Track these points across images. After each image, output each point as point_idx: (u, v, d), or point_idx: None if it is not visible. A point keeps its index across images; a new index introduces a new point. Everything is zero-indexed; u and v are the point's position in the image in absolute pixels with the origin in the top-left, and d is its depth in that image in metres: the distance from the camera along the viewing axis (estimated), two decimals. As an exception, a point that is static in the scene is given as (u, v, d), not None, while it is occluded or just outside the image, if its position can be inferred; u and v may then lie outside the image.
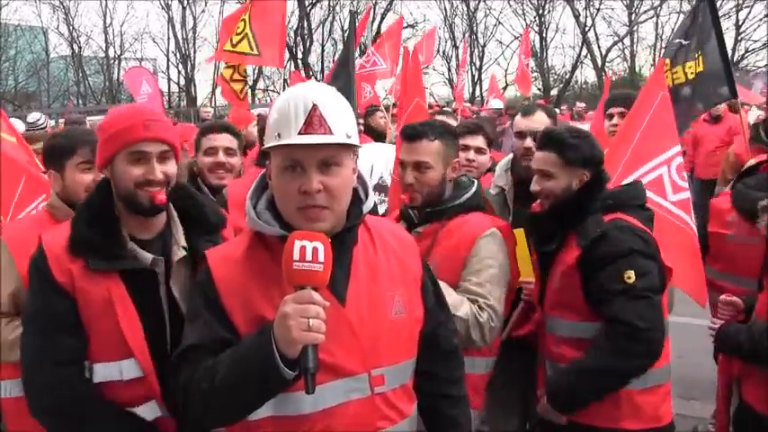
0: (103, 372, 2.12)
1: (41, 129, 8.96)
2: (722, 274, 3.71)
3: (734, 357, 3.18)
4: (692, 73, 5.19)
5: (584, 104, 20.07)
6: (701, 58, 5.18)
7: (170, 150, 2.20)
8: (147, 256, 2.17)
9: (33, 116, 9.40)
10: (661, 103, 3.90)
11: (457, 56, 30.21)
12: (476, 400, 2.88)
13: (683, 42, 5.23)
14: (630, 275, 2.63)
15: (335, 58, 32.13)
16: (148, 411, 2.13)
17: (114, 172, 2.17)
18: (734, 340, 3.04)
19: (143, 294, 2.13)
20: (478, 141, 3.93)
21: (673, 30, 29.95)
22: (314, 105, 1.78)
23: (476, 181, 3.10)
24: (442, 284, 2.62)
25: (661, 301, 2.74)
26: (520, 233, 3.18)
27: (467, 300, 2.76)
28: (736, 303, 3.19)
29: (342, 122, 1.82)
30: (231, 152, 3.75)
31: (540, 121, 3.56)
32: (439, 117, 5.13)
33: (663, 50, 30.70)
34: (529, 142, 3.48)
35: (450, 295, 2.68)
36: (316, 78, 22.08)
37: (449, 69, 34.17)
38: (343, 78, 4.73)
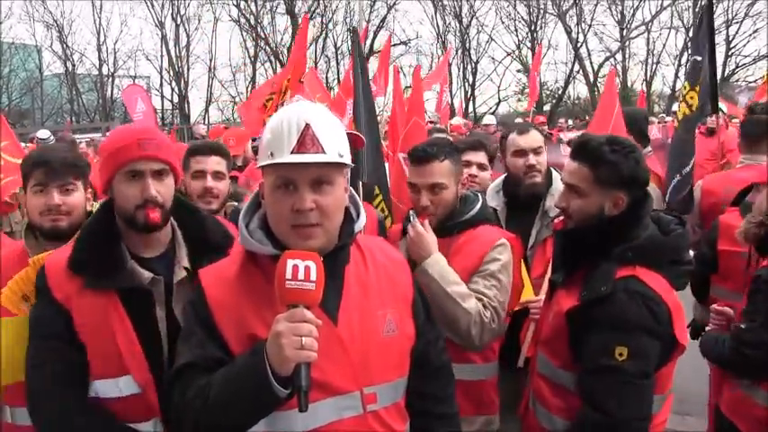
0: (102, 388, 2.13)
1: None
2: (734, 293, 3.60)
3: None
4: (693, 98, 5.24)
5: (563, 119, 20.26)
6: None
7: (166, 168, 2.21)
8: (146, 276, 2.18)
9: (43, 132, 9.54)
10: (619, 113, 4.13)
11: (450, 72, 30.37)
12: (475, 406, 2.93)
13: (698, 59, 5.27)
14: (623, 352, 2.27)
15: (327, 75, 32.45)
16: (150, 429, 2.14)
17: (114, 192, 2.20)
18: (709, 348, 3.09)
19: (140, 313, 2.14)
20: (480, 157, 4.00)
21: (664, 45, 30.37)
22: (306, 125, 1.81)
23: (480, 195, 3.14)
24: (454, 275, 2.76)
25: (653, 383, 2.36)
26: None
27: (474, 296, 2.80)
28: (727, 313, 3.21)
29: (334, 142, 1.83)
30: (220, 176, 3.49)
31: (536, 138, 3.57)
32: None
33: (654, 65, 31.17)
34: (532, 159, 3.50)
35: (460, 285, 2.78)
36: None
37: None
38: (364, 108, 4.68)
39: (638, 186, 2.48)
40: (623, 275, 2.37)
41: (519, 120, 13.05)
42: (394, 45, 31.24)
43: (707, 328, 3.30)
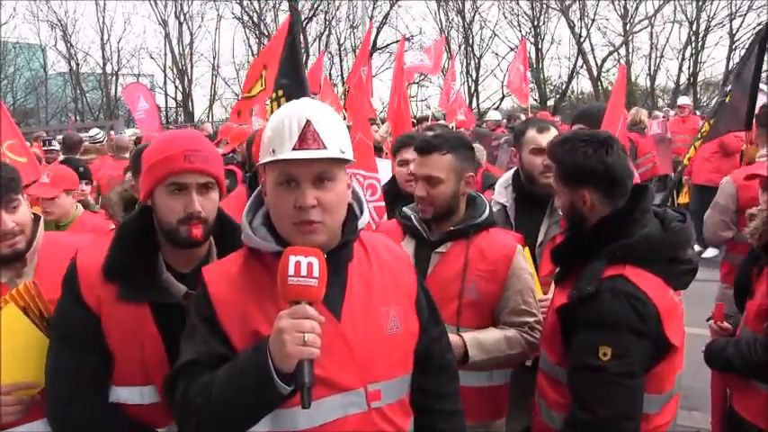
0: (125, 394, 2.14)
1: (99, 143, 9.87)
2: None
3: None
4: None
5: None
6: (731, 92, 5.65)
7: (212, 182, 2.13)
8: (181, 290, 2.14)
9: (93, 131, 10.07)
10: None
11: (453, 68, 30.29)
12: (491, 411, 2.93)
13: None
14: (606, 352, 2.25)
15: (331, 72, 32.43)
16: None
17: (155, 203, 2.13)
18: (722, 355, 2.97)
19: (172, 326, 2.06)
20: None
21: (667, 39, 30.24)
22: (308, 121, 1.80)
23: (481, 195, 3.07)
24: (490, 338, 2.75)
25: (642, 383, 2.31)
26: (525, 251, 3.18)
27: (514, 333, 2.80)
28: (728, 329, 3.18)
29: (335, 138, 1.83)
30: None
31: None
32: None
33: (658, 59, 31.06)
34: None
35: (500, 342, 2.77)
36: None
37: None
38: (293, 78, 4.64)
39: (599, 180, 2.40)
40: (610, 275, 2.34)
41: (523, 116, 12.92)
42: (396, 42, 31.25)
43: (709, 338, 3.23)
